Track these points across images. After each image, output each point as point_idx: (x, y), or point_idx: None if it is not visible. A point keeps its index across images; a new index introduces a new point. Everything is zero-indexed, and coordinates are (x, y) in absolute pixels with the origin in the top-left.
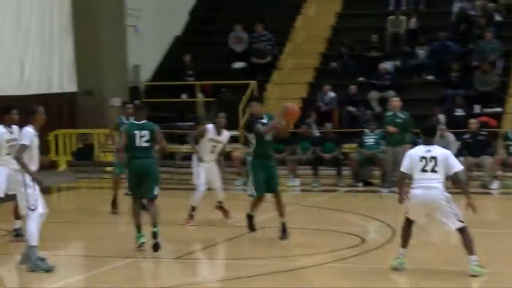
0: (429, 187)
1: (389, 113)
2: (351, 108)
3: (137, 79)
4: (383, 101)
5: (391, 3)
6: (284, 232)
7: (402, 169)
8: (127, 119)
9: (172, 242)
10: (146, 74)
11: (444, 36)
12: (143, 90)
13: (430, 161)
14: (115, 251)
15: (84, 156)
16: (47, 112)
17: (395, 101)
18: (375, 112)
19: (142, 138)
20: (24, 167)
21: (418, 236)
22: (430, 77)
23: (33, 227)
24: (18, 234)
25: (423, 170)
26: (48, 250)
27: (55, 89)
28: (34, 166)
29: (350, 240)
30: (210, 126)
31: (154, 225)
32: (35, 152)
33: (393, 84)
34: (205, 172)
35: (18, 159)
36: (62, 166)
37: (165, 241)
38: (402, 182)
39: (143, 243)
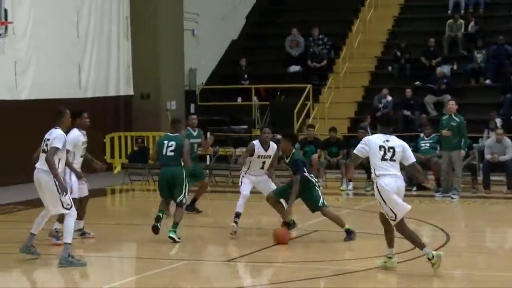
0: (396, 175)
1: (445, 117)
2: (407, 112)
3: (193, 83)
4: (439, 105)
5: (449, 7)
6: (347, 235)
7: (356, 152)
8: (194, 130)
9: (224, 245)
10: (202, 77)
11: (503, 40)
12: (199, 93)
13: (389, 151)
14: (167, 254)
15: (139, 159)
16: (103, 115)
17: (451, 104)
18: (430, 116)
19: (168, 148)
20: (52, 169)
21: (474, 241)
22: (487, 81)
23: (71, 225)
24: (83, 233)
25: (383, 159)
26: (101, 252)
27: (112, 93)
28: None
29: (402, 245)
30: (256, 143)
31: (174, 226)
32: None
33: (449, 88)
34: (252, 182)
35: (49, 160)
36: (117, 169)
37: (217, 244)
38: (354, 164)
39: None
